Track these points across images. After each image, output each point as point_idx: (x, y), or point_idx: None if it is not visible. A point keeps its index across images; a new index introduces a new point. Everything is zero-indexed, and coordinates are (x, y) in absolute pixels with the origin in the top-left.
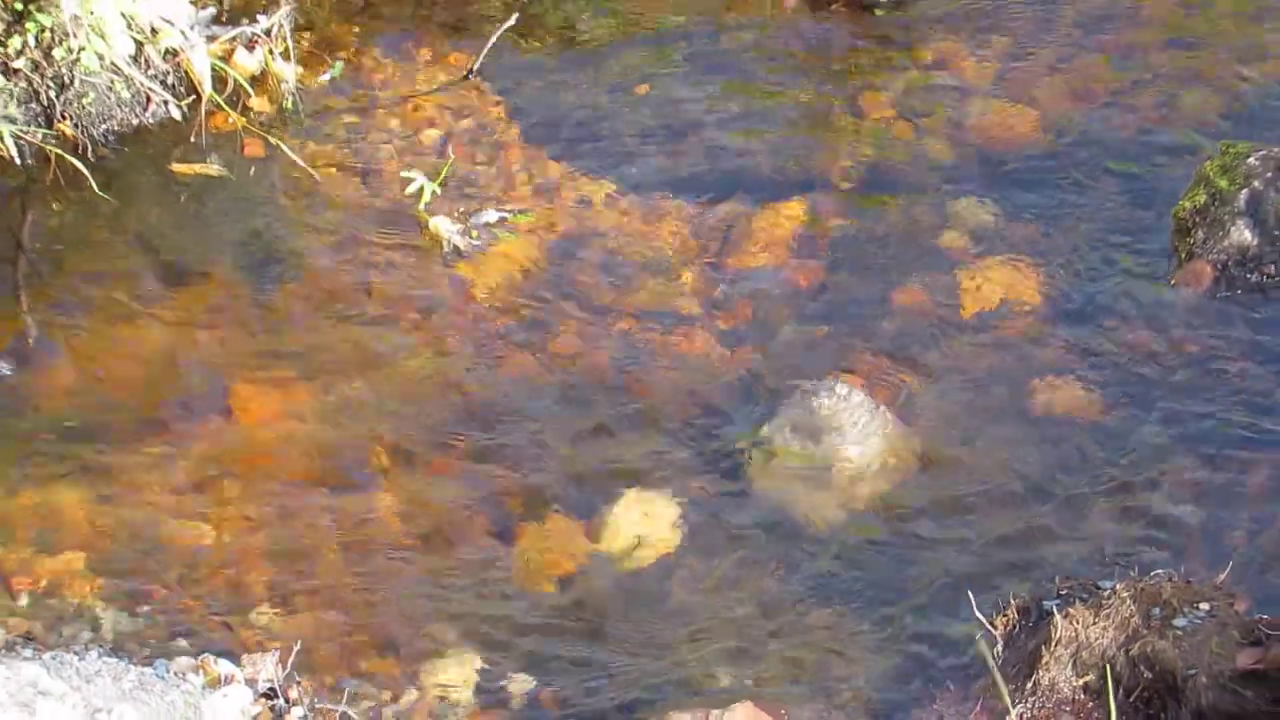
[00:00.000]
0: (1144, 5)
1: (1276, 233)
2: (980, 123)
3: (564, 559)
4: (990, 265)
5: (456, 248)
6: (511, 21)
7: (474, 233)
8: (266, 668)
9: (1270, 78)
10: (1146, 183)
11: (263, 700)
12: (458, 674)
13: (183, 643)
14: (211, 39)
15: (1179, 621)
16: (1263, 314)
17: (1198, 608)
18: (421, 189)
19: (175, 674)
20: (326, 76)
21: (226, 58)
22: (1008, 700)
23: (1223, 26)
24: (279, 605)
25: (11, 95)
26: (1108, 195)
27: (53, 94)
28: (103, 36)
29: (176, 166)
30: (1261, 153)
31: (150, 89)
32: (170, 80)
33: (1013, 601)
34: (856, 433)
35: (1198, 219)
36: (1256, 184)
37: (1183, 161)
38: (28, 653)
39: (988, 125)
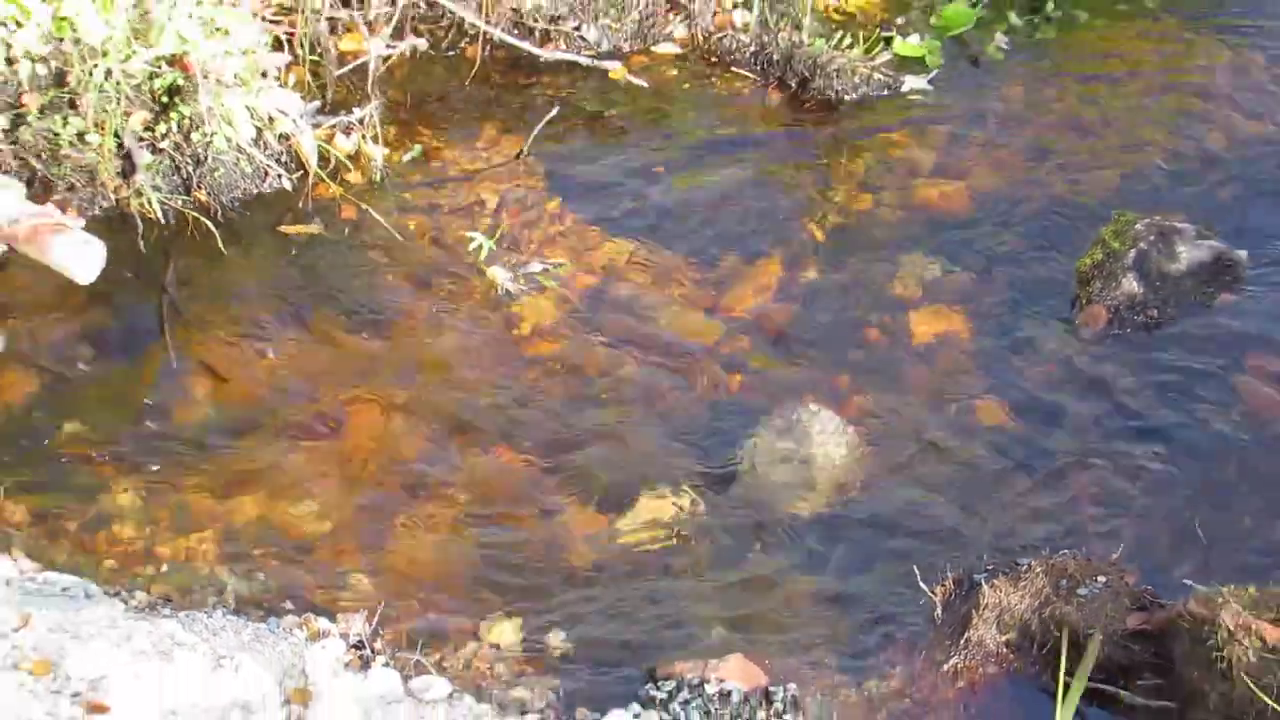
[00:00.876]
0: (1054, 102)
1: (1157, 284)
2: (924, 195)
3: (592, 540)
4: (932, 309)
5: (508, 291)
6: (553, 113)
7: (522, 279)
8: (356, 624)
9: (1148, 162)
10: (1055, 243)
11: (353, 650)
12: (507, 629)
13: (289, 604)
14: (316, 125)
15: (1081, 591)
16: (1146, 348)
17: (1096, 580)
18: (481, 246)
19: (284, 629)
20: (408, 156)
21: (328, 140)
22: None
23: (1115, 120)
24: (368, 574)
25: (158, 169)
26: (1024, 253)
27: (190, 168)
28: (230, 124)
29: (286, 228)
30: (1146, 220)
31: (268, 165)
32: (283, 158)
33: (949, 574)
34: (826, 442)
35: (1095, 272)
36: (1142, 245)
37: (1083, 227)
38: (166, 611)
39: (930, 197)
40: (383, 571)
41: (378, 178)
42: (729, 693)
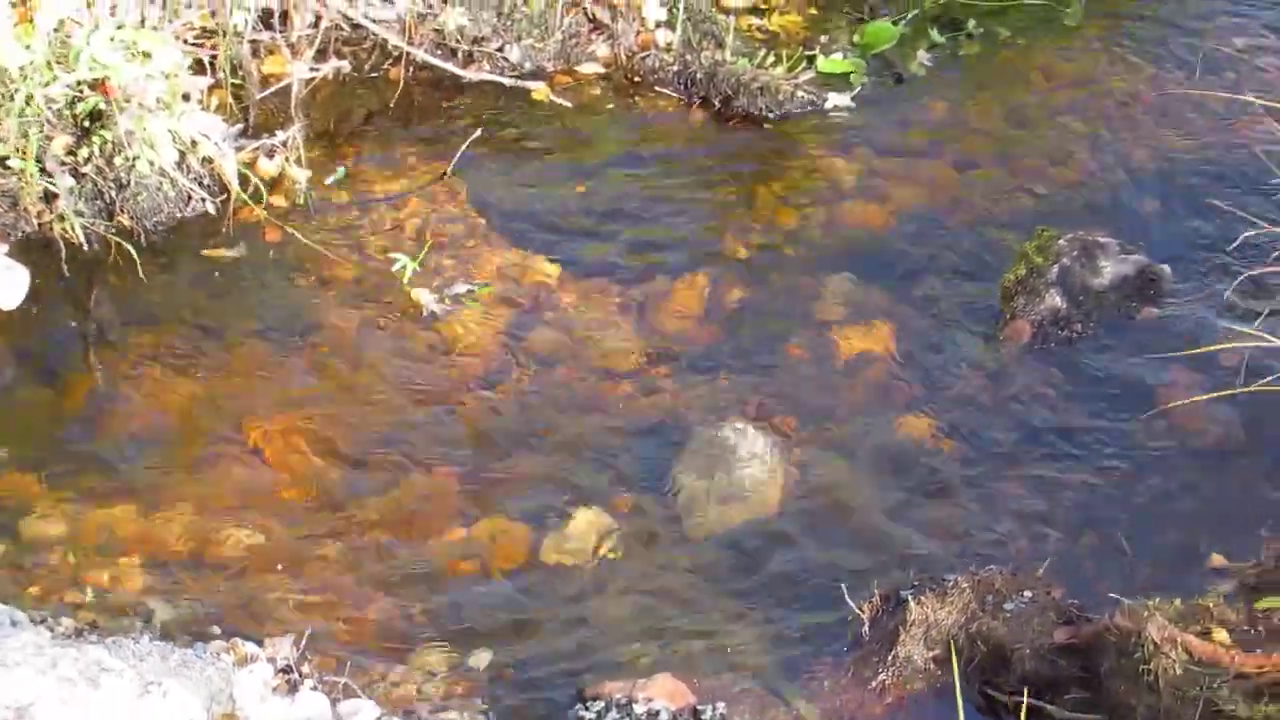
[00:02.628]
0: (977, 119)
1: (1081, 298)
2: (848, 213)
3: (519, 560)
4: (855, 326)
5: (433, 312)
6: (477, 134)
7: (447, 300)
8: (284, 648)
9: (1071, 177)
10: (979, 259)
11: (281, 674)
12: (435, 651)
13: (216, 629)
14: (239, 149)
15: (1008, 606)
16: (1070, 362)
17: (1023, 595)
18: (405, 267)
19: (211, 654)
20: (331, 179)
21: (251, 163)
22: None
23: (1038, 136)
24: (294, 598)
25: (81, 194)
26: (948, 269)
27: (113, 193)
28: (153, 148)
29: (209, 252)
30: (1069, 235)
31: (191, 189)
32: (206, 182)
33: (876, 591)
34: (753, 460)
35: (1019, 288)
36: (1065, 260)
37: (1007, 242)
38: (93, 638)
39: (853, 215)
40: (309, 595)
41: (301, 200)
42: (657, 712)
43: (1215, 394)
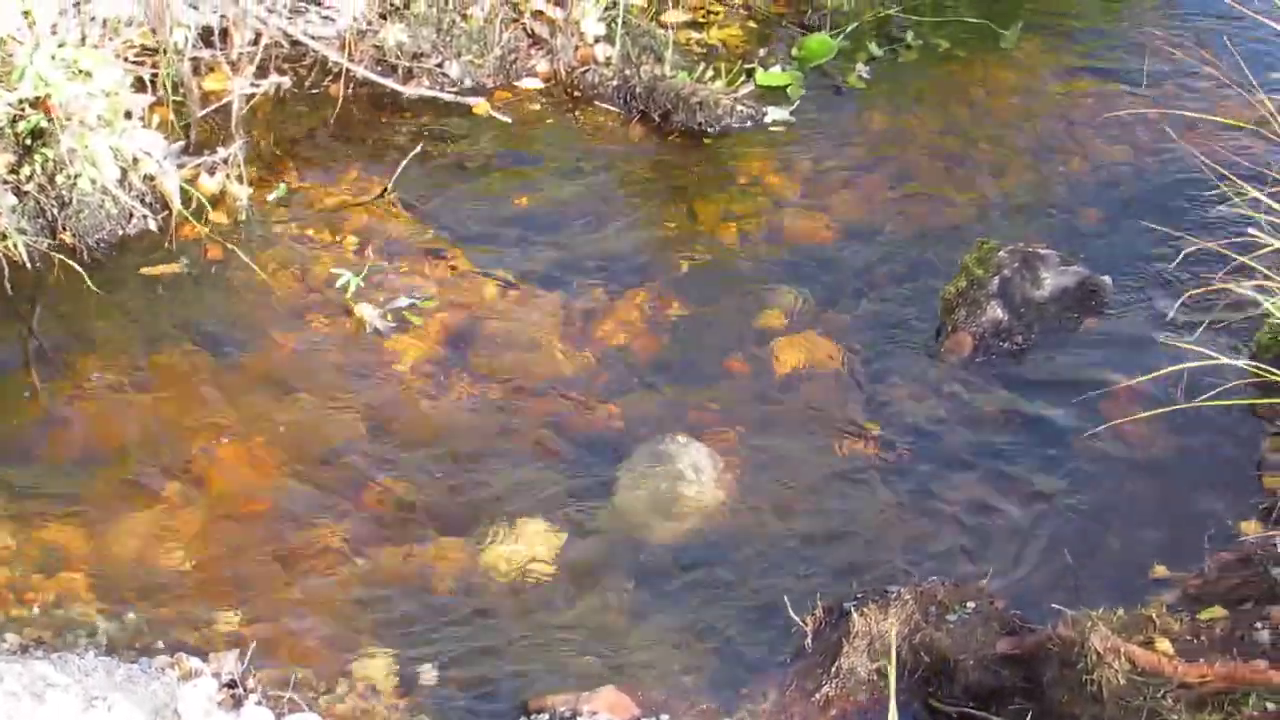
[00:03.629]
0: (916, 131)
1: (1022, 310)
2: (789, 226)
3: (461, 573)
4: (797, 340)
5: (376, 328)
6: (417, 150)
7: (390, 316)
8: (228, 663)
9: (1011, 189)
10: (919, 272)
11: (225, 689)
12: (379, 665)
13: (161, 644)
14: (181, 166)
15: (951, 617)
16: (1011, 374)
17: (966, 605)
18: (348, 283)
19: (156, 669)
20: (273, 195)
21: (193, 180)
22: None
23: (978, 148)
24: (238, 613)
25: (23, 212)
26: (889, 282)
27: (55, 210)
28: (95, 165)
29: (150, 270)
30: (1009, 248)
31: (132, 206)
32: (148, 199)
33: (819, 603)
34: (694, 473)
35: (960, 299)
36: (1006, 272)
37: (948, 254)
38: (38, 654)
39: (794, 228)
40: (253, 610)
41: (243, 217)
42: None
43: (1157, 410)
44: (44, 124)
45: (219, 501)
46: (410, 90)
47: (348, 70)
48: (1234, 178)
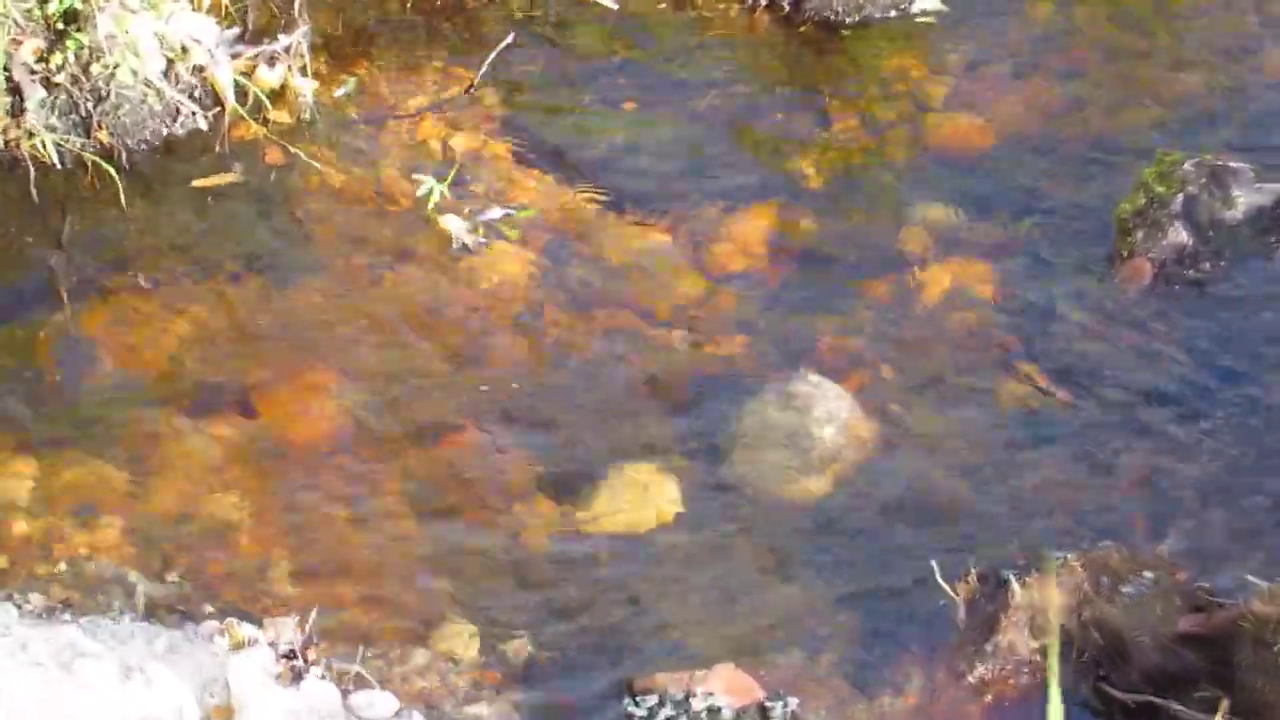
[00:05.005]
0: (1088, 24)
1: (1209, 233)
2: (937, 132)
3: (557, 532)
4: (946, 263)
5: (464, 244)
6: (509, 40)
7: (480, 229)
8: (287, 631)
9: (1196, 93)
10: (1090, 187)
11: (284, 660)
12: (461, 636)
13: (209, 608)
14: (235, 56)
15: (1126, 589)
16: (1198, 307)
17: (1143, 576)
18: (431, 191)
19: (203, 637)
20: (341, 91)
21: (249, 73)
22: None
23: (1157, 44)
24: (299, 574)
25: (53, 107)
26: (1055, 199)
27: (90, 106)
28: (136, 54)
29: (198, 178)
30: (1195, 160)
31: (180, 102)
32: (198, 94)
33: (973, 571)
34: (829, 418)
35: (1138, 220)
36: (1191, 188)
37: (1123, 168)
38: (66, 617)
39: (944, 135)
40: (316, 571)
41: (307, 116)
42: (718, 709)
43: None
44: (78, 5)
45: (275, 444)
46: None
47: None
48: None
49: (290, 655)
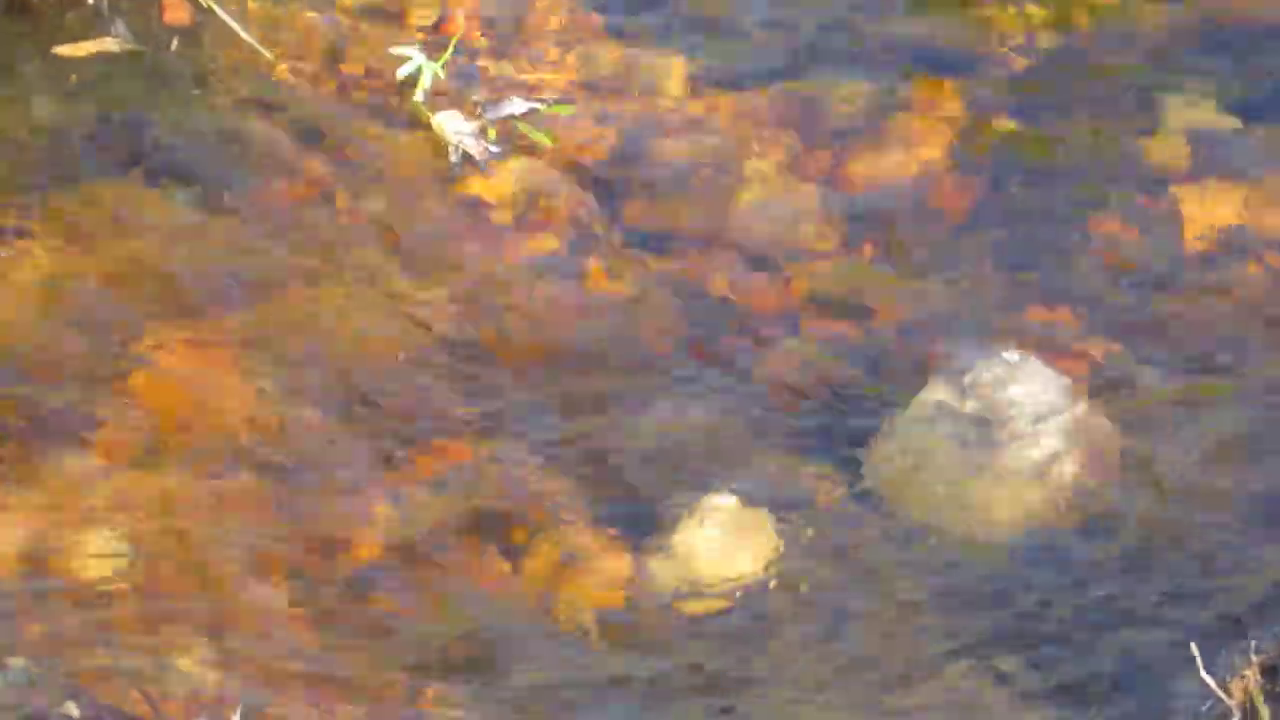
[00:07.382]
0: None
1: None
2: None
3: (607, 589)
4: (1219, 186)
5: (467, 153)
6: None
7: (492, 131)
8: None
9: None
10: None
11: None
12: None
13: (75, 711)
14: None
15: None
16: None
17: None
18: (418, 72)
19: None
20: None
21: None
22: None
23: None
24: (211, 652)
25: None
26: None
27: None
28: None
29: (64, 49)
30: None
31: None
32: None
33: (1254, 659)
34: (1032, 418)
35: None
36: None
37: None
38: None
39: None
40: (240, 649)
41: None
42: None
43: None
44: None
45: (176, 452)
46: None
47: None
48: None
49: None
